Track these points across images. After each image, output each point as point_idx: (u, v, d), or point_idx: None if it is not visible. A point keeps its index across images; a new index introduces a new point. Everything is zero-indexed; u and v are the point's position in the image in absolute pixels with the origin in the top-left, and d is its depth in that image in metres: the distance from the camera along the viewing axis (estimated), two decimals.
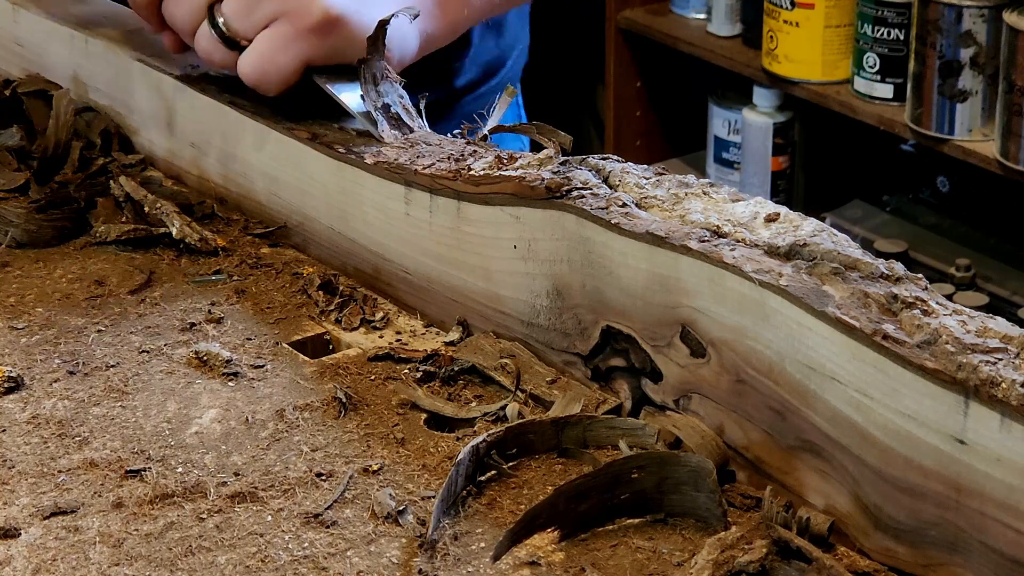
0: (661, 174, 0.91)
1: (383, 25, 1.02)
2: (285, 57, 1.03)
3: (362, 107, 1.04)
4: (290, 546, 0.78)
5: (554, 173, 0.92)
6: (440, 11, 1.14)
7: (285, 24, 1.03)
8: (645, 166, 0.92)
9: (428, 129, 1.04)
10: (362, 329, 0.99)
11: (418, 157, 0.99)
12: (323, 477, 0.83)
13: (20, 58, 1.30)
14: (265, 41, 1.04)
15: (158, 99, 1.17)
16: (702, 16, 2.74)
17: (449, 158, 0.98)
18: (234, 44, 1.05)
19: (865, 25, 2.44)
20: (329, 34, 1.03)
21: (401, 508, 0.80)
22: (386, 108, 1.04)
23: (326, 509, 0.80)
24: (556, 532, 0.78)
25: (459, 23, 1.18)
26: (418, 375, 0.92)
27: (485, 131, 1.02)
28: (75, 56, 1.24)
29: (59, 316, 0.99)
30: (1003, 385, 0.71)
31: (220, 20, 1.04)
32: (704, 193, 0.88)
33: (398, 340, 0.97)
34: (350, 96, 1.05)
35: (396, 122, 1.04)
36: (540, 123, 1.00)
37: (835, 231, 0.83)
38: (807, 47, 2.51)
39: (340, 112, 1.06)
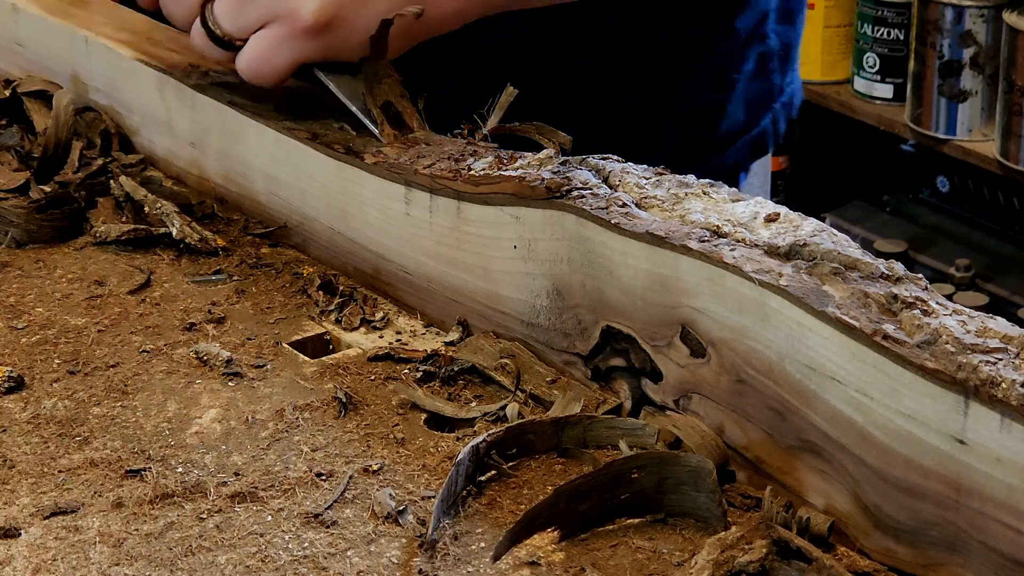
0: (661, 174, 0.91)
1: (386, 25, 1.02)
2: (279, 58, 1.04)
3: (363, 104, 1.04)
4: (290, 546, 0.78)
5: (554, 173, 0.92)
6: None
7: (278, 27, 1.04)
8: (645, 166, 0.92)
9: (427, 128, 1.04)
10: (362, 329, 0.99)
11: (418, 157, 0.99)
12: (323, 477, 0.83)
13: (20, 58, 1.30)
14: (259, 42, 1.05)
15: (158, 99, 1.17)
16: None
17: (449, 158, 0.98)
18: (226, 43, 1.06)
19: (865, 25, 2.44)
20: (323, 35, 1.04)
21: (401, 508, 0.80)
22: (386, 107, 1.04)
23: (326, 509, 0.80)
24: (556, 532, 0.78)
25: None
26: (418, 375, 0.92)
27: (485, 131, 1.02)
28: (75, 56, 1.24)
29: (59, 316, 0.99)
30: (1003, 385, 0.71)
31: (211, 21, 1.06)
32: (704, 193, 0.88)
33: (398, 340, 0.97)
34: (351, 92, 1.05)
35: (396, 121, 1.04)
36: (540, 123, 1.00)
37: (835, 231, 0.83)
38: (807, 47, 2.51)
39: (340, 105, 1.06)
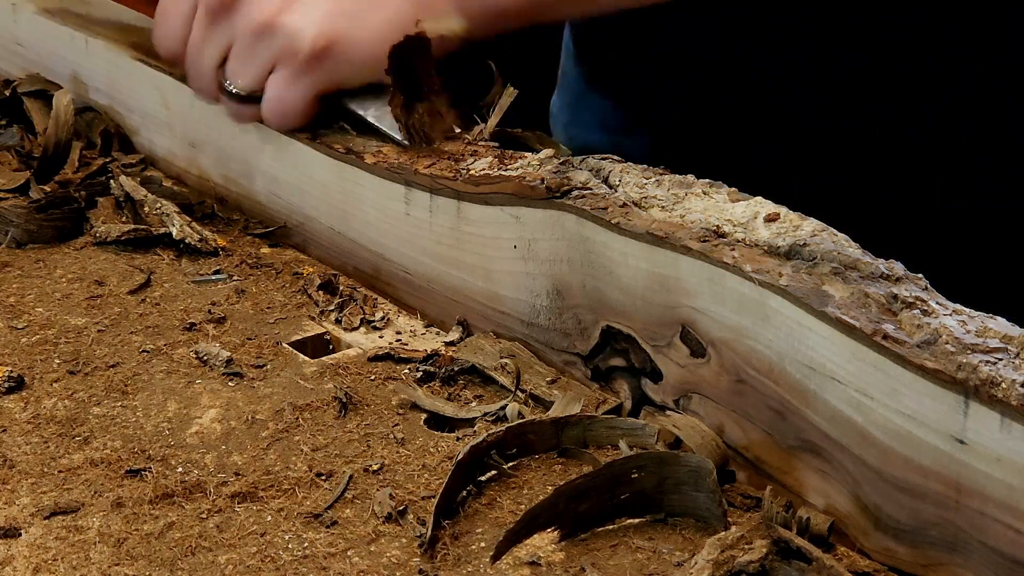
0: (661, 174, 0.91)
1: (394, 53, 1.00)
2: (294, 95, 1.05)
3: (392, 123, 1.04)
4: (291, 546, 0.78)
5: (554, 173, 0.92)
6: None
7: (284, 66, 1.05)
8: (645, 166, 0.92)
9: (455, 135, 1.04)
10: (362, 329, 0.99)
11: (418, 157, 0.99)
12: (323, 477, 0.83)
13: (20, 58, 1.30)
14: (272, 86, 1.06)
15: (158, 99, 1.17)
16: None
17: (449, 158, 0.98)
18: (250, 99, 1.07)
19: None
20: (326, 61, 1.04)
21: (401, 508, 0.80)
22: (414, 115, 1.04)
23: (326, 509, 0.80)
24: (556, 532, 0.78)
25: None
26: (418, 375, 0.92)
27: (485, 132, 1.02)
28: (75, 56, 1.24)
29: (59, 316, 0.99)
30: (1003, 385, 0.71)
31: (228, 84, 1.07)
32: (704, 193, 0.88)
33: (398, 340, 0.97)
34: (380, 113, 1.05)
35: (421, 134, 1.03)
36: (540, 133, 1.01)
37: (835, 231, 0.83)
38: None
39: (373, 132, 1.05)
